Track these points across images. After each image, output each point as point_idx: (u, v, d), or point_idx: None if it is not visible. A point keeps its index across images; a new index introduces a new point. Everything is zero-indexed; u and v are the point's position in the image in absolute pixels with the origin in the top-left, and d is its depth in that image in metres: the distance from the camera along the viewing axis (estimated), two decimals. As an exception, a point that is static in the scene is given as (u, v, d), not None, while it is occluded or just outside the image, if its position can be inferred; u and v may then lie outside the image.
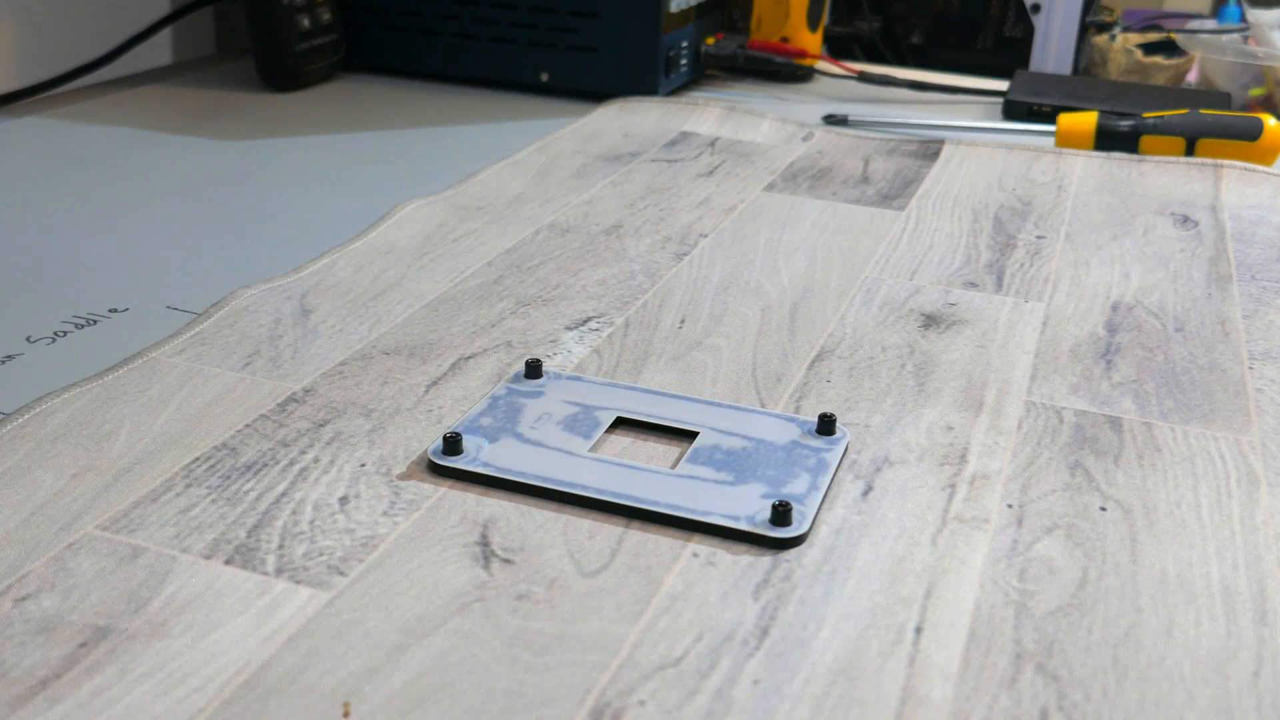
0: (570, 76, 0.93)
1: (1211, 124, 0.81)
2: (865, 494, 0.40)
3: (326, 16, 0.93)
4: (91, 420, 0.42)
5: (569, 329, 0.52)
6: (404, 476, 0.40)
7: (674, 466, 0.41)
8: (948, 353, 0.51)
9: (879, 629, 0.33)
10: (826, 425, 0.43)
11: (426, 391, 0.46)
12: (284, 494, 0.38)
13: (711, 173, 0.75)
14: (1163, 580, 0.36)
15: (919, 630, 0.33)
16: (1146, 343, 0.52)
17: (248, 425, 0.42)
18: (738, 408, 0.45)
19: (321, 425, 0.43)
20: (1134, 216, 0.69)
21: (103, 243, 0.60)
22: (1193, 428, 0.45)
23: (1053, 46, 1.24)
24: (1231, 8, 1.33)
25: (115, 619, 0.32)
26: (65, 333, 0.50)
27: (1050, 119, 0.89)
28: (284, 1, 0.89)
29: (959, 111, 0.95)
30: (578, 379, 0.46)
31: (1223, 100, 0.94)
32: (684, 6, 0.93)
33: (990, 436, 0.44)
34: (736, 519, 0.37)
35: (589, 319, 0.53)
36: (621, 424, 0.44)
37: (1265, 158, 0.80)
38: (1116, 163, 0.79)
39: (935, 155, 0.80)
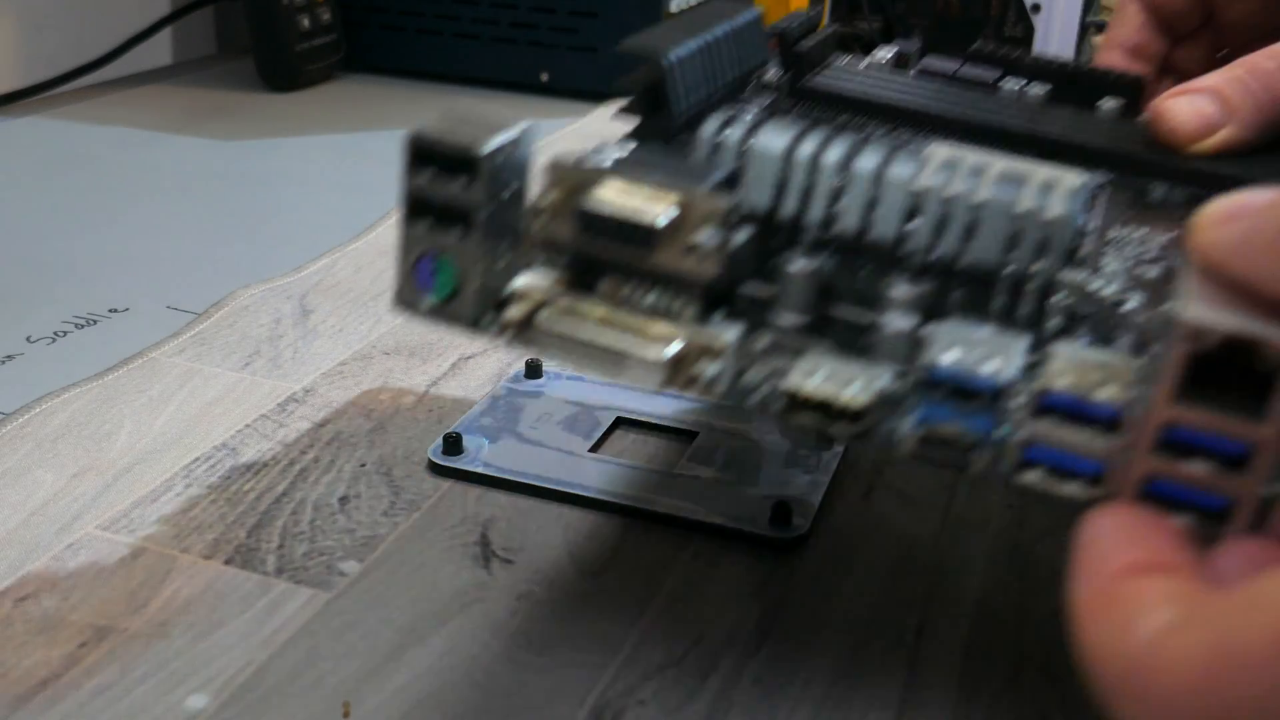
0: (570, 76, 0.93)
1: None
2: (866, 494, 0.40)
3: (326, 16, 0.93)
4: (91, 420, 0.42)
5: (569, 329, 0.52)
6: (404, 476, 0.40)
7: (674, 466, 0.41)
8: (948, 353, 0.50)
9: (879, 629, 0.33)
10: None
11: (426, 391, 0.46)
12: (284, 494, 0.38)
13: (711, 173, 0.75)
14: (1163, 580, 0.36)
15: (919, 631, 0.33)
16: (1147, 343, 0.52)
17: (248, 425, 0.42)
18: (739, 407, 0.45)
19: (321, 425, 0.43)
20: (1134, 216, 0.69)
21: (103, 243, 0.60)
22: (1193, 428, 0.45)
23: (1053, 46, 1.24)
24: (1231, 8, 1.33)
25: (115, 619, 0.32)
26: (65, 333, 0.50)
27: (1050, 119, 0.89)
28: (284, 1, 0.89)
29: (959, 111, 0.95)
30: (578, 379, 0.46)
31: (1223, 100, 0.93)
32: (684, 7, 0.93)
33: (990, 436, 0.44)
34: (737, 519, 0.37)
35: (589, 319, 0.53)
36: (622, 424, 0.44)
37: (1265, 158, 0.80)
38: (1116, 163, 0.79)
39: (935, 155, 0.80)
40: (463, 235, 0.24)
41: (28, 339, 0.49)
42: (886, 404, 0.23)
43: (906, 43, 0.44)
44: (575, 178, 0.23)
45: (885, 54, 0.42)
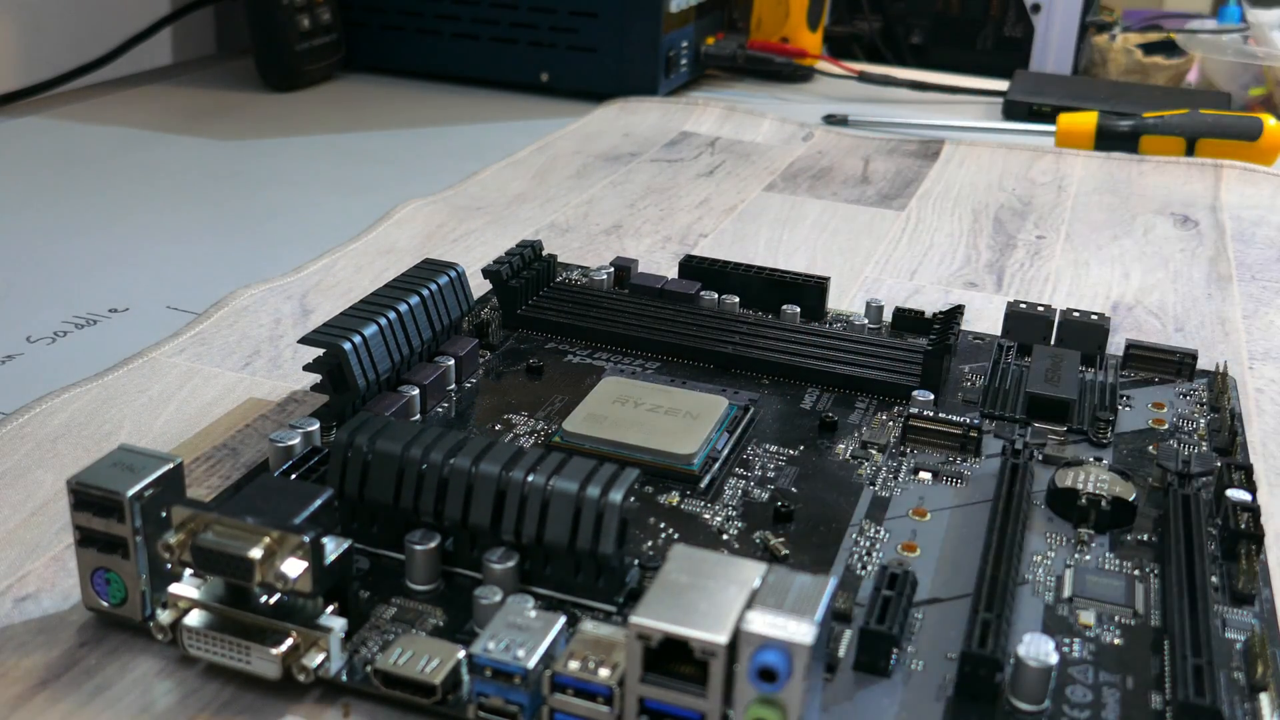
0: (570, 76, 0.93)
1: (1211, 124, 0.81)
2: (865, 494, 0.40)
3: (326, 16, 0.93)
4: (91, 420, 0.42)
5: (569, 329, 0.52)
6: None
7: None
8: (948, 353, 0.51)
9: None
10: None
11: (426, 391, 0.46)
12: (284, 494, 0.38)
13: (711, 173, 0.75)
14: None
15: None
16: (1146, 343, 0.52)
17: (248, 425, 0.42)
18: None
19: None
20: (1134, 216, 0.69)
21: (103, 243, 0.60)
22: (1193, 428, 0.45)
23: (1053, 46, 1.24)
24: (1231, 8, 1.33)
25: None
26: (65, 333, 0.50)
27: (1050, 119, 0.89)
28: (284, 1, 0.89)
29: (959, 111, 0.95)
30: (578, 379, 0.47)
31: (1223, 100, 0.94)
32: (684, 6, 0.93)
33: (990, 436, 0.44)
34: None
35: (589, 319, 0.53)
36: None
37: (1265, 158, 0.80)
38: (1116, 163, 0.79)
39: (935, 155, 0.80)
40: (123, 557, 0.29)
41: (28, 339, 0.49)
42: (454, 680, 0.28)
43: (625, 260, 0.51)
44: (193, 519, 0.28)
45: (602, 274, 0.50)
